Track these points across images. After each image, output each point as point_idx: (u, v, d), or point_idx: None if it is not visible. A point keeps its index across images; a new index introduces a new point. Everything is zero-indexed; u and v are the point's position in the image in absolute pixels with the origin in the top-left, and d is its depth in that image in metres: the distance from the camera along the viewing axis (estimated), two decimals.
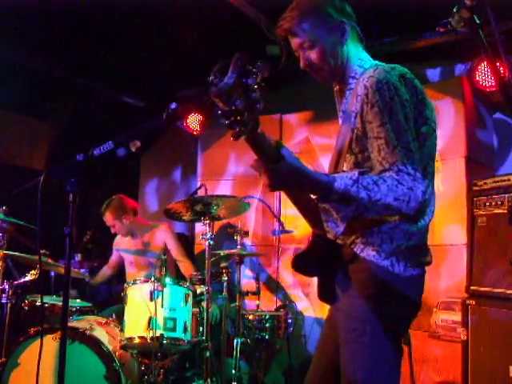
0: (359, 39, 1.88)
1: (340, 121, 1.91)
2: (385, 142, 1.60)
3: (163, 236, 4.36)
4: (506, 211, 3.25)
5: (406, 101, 1.65)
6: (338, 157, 1.83)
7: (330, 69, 1.84)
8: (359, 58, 1.84)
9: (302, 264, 1.87)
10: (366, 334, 1.68)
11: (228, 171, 5.27)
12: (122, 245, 4.50)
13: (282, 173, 1.51)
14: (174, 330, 3.26)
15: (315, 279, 1.98)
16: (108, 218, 4.32)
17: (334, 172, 1.79)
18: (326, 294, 1.92)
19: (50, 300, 3.64)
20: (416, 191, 1.56)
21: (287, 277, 4.87)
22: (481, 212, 3.41)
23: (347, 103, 1.82)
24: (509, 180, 3.31)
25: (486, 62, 3.86)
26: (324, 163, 4.60)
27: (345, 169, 1.80)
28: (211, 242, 3.55)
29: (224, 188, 5.19)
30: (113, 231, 4.41)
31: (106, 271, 4.63)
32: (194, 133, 5.51)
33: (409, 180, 1.55)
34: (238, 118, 1.33)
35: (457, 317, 3.49)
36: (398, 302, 1.72)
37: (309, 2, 1.83)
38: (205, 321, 3.43)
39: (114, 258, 4.64)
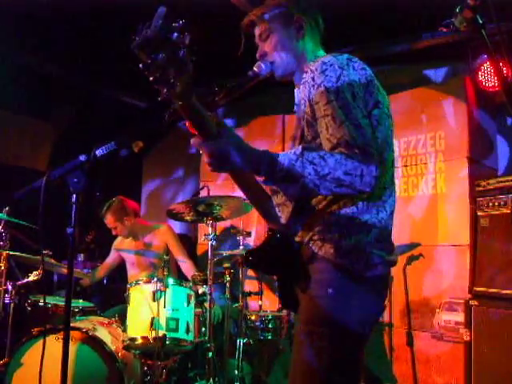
0: (319, 39, 1.91)
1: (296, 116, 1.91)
2: (331, 118, 1.54)
3: (164, 237, 4.36)
4: (508, 212, 3.25)
5: (354, 81, 1.60)
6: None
7: (282, 62, 1.85)
8: (316, 55, 1.85)
9: (254, 260, 1.75)
10: (323, 339, 1.59)
11: None
12: (124, 246, 4.50)
13: (222, 149, 1.45)
14: (176, 330, 3.26)
15: None
16: (109, 220, 4.31)
17: None
18: (288, 300, 1.82)
19: (52, 300, 3.64)
20: (369, 166, 1.46)
21: None
22: (484, 213, 3.41)
23: (298, 95, 1.82)
24: (511, 181, 3.31)
25: (488, 62, 3.85)
26: None
27: None
28: (214, 243, 3.54)
29: (226, 189, 5.20)
30: (114, 233, 4.41)
31: (99, 272, 4.61)
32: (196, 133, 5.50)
33: (358, 154, 1.47)
34: (162, 74, 1.28)
35: (460, 317, 3.49)
36: (358, 305, 1.61)
37: None
38: (207, 321, 3.43)
39: (109, 260, 4.60)
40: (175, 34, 1.28)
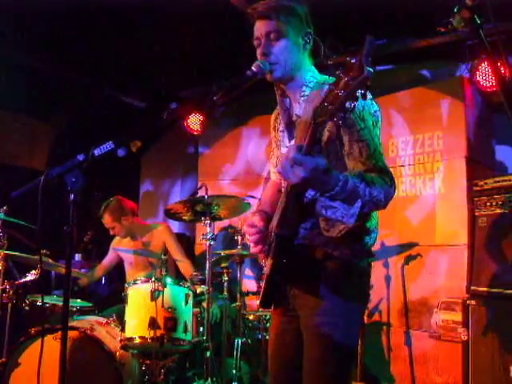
0: (313, 55, 1.97)
1: (282, 123, 2.01)
2: (366, 145, 1.74)
3: (162, 236, 4.36)
4: (506, 211, 3.25)
5: (375, 111, 1.83)
6: None
7: (284, 67, 1.88)
8: (311, 71, 1.95)
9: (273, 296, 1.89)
10: (338, 329, 1.80)
11: (228, 171, 5.27)
12: (122, 245, 4.50)
13: (322, 165, 1.52)
14: (174, 330, 3.25)
15: None
16: (107, 220, 4.31)
17: None
18: (271, 298, 1.90)
19: (50, 300, 3.64)
20: (393, 188, 1.72)
21: None
22: (481, 212, 3.41)
23: (301, 108, 1.88)
24: (509, 180, 3.31)
25: (486, 62, 3.86)
26: None
27: None
28: (212, 243, 3.55)
29: (224, 188, 5.20)
30: (112, 233, 4.40)
31: (97, 272, 4.61)
32: (195, 133, 5.51)
33: (388, 179, 1.70)
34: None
35: (457, 317, 3.49)
36: (364, 294, 1.95)
37: (293, 1, 1.92)
38: (205, 321, 3.43)
39: (108, 260, 4.60)
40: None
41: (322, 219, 1.84)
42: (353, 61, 1.41)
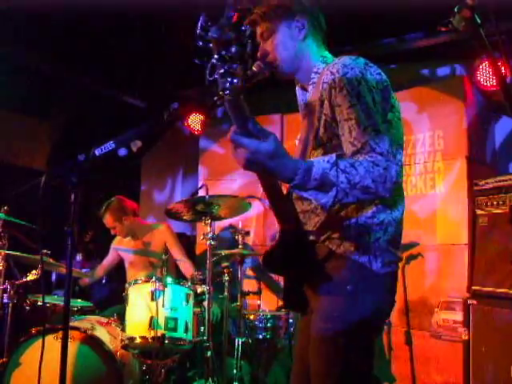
0: (322, 40, 1.91)
1: (301, 115, 1.93)
2: (355, 122, 1.58)
3: (163, 236, 4.36)
4: (507, 211, 3.25)
5: (373, 86, 1.64)
6: (303, 153, 1.83)
7: (283, 61, 1.86)
8: (322, 56, 1.87)
9: (272, 262, 1.80)
10: (341, 335, 1.64)
11: (229, 171, 5.27)
12: (122, 245, 4.50)
13: (261, 149, 1.43)
14: (175, 329, 3.25)
15: None
16: (108, 220, 4.31)
17: None
18: (294, 300, 1.85)
19: (51, 300, 3.65)
20: (391, 171, 1.51)
21: None
22: (482, 212, 3.41)
23: (310, 96, 1.83)
24: (510, 180, 3.31)
25: (487, 62, 3.86)
26: None
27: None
28: (213, 242, 3.54)
29: (225, 188, 5.20)
30: (113, 233, 4.40)
31: (98, 272, 4.61)
32: (195, 133, 5.52)
33: (382, 160, 1.52)
34: (230, 67, 1.30)
35: (458, 317, 3.49)
36: (375, 301, 1.68)
37: None
38: (206, 320, 3.43)
39: (108, 260, 4.60)
40: (244, 27, 1.32)
41: (299, 212, 1.79)
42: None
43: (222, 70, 1.32)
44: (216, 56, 1.31)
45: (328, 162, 1.49)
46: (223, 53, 1.30)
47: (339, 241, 1.68)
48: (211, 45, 1.31)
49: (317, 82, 1.78)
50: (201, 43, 1.32)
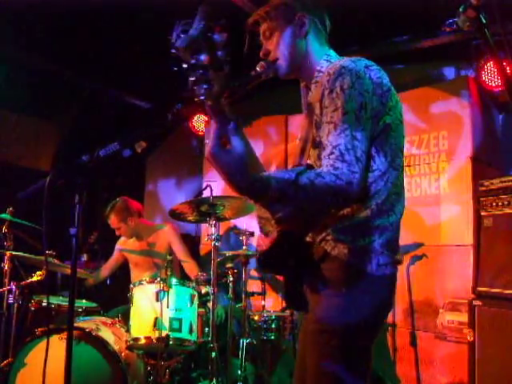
0: (326, 38, 1.90)
1: (304, 114, 1.91)
2: (334, 126, 1.57)
3: (168, 237, 4.37)
4: None
5: (367, 91, 1.61)
6: (302, 151, 1.82)
7: (285, 60, 1.84)
8: (326, 54, 1.85)
9: (268, 262, 1.79)
10: (335, 337, 1.63)
11: None
12: (127, 246, 4.51)
13: (228, 165, 1.46)
14: (179, 330, 3.26)
15: None
16: (113, 220, 4.32)
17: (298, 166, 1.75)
18: (296, 301, 1.84)
19: (56, 300, 3.65)
20: (351, 185, 1.51)
21: None
22: (487, 212, 3.39)
23: (312, 94, 1.82)
24: None
25: (492, 62, 3.85)
26: None
27: (309, 163, 1.79)
28: (217, 243, 3.54)
29: (229, 189, 5.19)
30: (118, 233, 4.41)
31: (102, 273, 4.62)
32: (200, 133, 5.52)
33: (347, 172, 1.50)
34: (203, 74, 1.31)
35: (463, 318, 3.48)
36: (369, 303, 1.67)
37: None
38: (210, 321, 3.43)
39: (113, 260, 4.61)
40: (216, 35, 1.32)
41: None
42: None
43: (193, 78, 1.33)
44: (185, 65, 1.33)
45: (287, 180, 1.49)
46: (193, 61, 1.31)
47: (334, 242, 1.68)
48: (180, 53, 1.32)
49: (319, 81, 1.77)
50: (173, 51, 1.33)
